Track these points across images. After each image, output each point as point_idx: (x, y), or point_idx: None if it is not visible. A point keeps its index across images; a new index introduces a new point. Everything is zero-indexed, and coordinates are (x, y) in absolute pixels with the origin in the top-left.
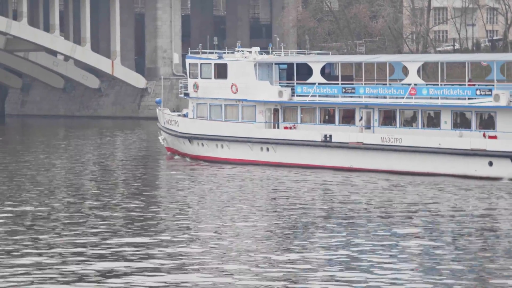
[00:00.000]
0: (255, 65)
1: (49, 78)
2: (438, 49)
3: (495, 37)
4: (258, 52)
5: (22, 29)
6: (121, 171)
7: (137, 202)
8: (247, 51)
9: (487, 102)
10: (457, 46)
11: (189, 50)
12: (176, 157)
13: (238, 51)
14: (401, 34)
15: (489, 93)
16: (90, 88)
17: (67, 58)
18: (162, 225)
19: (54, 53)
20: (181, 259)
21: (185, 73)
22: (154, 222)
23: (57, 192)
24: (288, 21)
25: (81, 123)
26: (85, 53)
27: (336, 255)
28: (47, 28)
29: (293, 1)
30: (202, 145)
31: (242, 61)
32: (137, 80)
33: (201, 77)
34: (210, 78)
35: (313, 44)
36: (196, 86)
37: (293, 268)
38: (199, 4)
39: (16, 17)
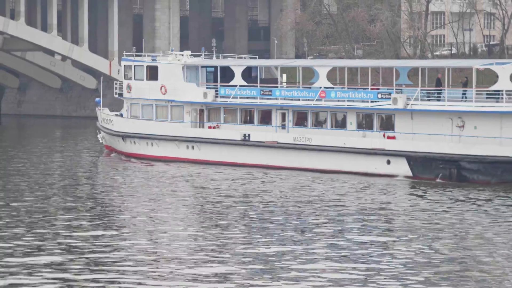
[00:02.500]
0: (183, 68)
1: (46, 78)
2: (435, 53)
3: (492, 42)
4: (190, 55)
5: (19, 28)
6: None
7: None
8: (179, 54)
9: (387, 105)
10: (454, 50)
11: (124, 53)
12: (113, 154)
13: (171, 54)
14: (399, 38)
15: (389, 96)
16: (87, 89)
17: (64, 58)
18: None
19: (51, 53)
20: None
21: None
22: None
23: None
24: (286, 23)
25: (77, 124)
26: (83, 54)
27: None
28: (44, 28)
29: (292, 3)
30: (134, 143)
31: (171, 64)
32: None
33: (134, 79)
34: (143, 80)
35: (311, 47)
36: (129, 87)
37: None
38: (197, 6)
39: (13, 16)
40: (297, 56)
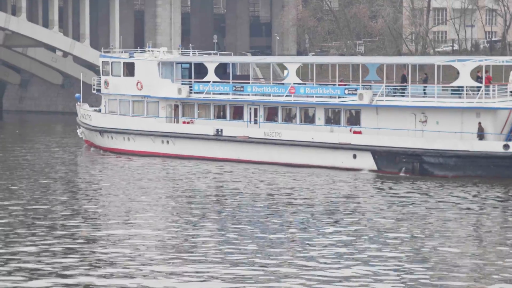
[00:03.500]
0: (158, 64)
1: (47, 74)
2: (437, 49)
3: (494, 38)
4: (166, 52)
5: (20, 24)
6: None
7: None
8: (156, 51)
9: (353, 100)
10: (456, 47)
11: (102, 49)
12: (92, 149)
13: (148, 51)
14: (401, 34)
15: (356, 92)
16: (89, 85)
17: (66, 54)
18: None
19: (53, 49)
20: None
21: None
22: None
23: None
24: (288, 20)
25: None
26: (84, 50)
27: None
28: (46, 24)
29: (293, 0)
30: (111, 138)
31: (147, 60)
32: None
33: (112, 75)
34: (120, 76)
35: (312, 43)
36: (106, 83)
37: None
38: (199, 2)
39: (15, 12)
40: (299, 52)
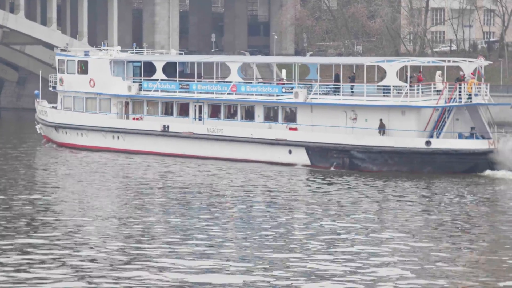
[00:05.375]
0: (110, 63)
1: (45, 72)
2: (435, 49)
3: (492, 39)
4: (120, 50)
5: (19, 22)
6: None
7: None
8: (110, 49)
9: (289, 98)
10: (454, 47)
11: (58, 48)
12: (48, 144)
13: (102, 49)
14: (399, 34)
15: (292, 91)
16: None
17: None
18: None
19: (50, 46)
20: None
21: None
22: None
23: None
24: (286, 19)
25: None
26: (82, 48)
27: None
28: (44, 22)
29: None
30: (66, 133)
31: (100, 59)
32: None
33: (67, 72)
34: (74, 73)
35: (310, 42)
36: (61, 80)
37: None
38: (197, 1)
39: (13, 9)
40: (297, 52)
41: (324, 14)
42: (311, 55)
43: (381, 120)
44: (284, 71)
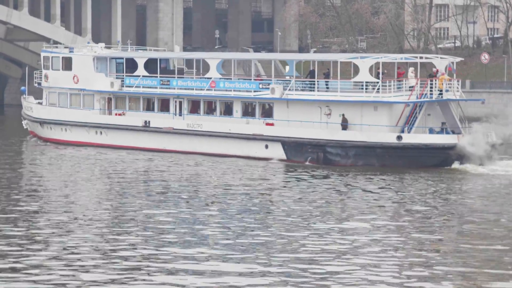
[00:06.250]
0: (93, 59)
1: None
2: (439, 46)
3: (496, 35)
4: (104, 47)
5: (22, 18)
6: None
7: None
8: (95, 46)
9: (266, 94)
10: (458, 43)
11: (44, 45)
12: (33, 139)
13: (87, 46)
14: (403, 30)
15: (269, 87)
16: None
17: None
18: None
19: (54, 43)
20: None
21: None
22: None
23: None
24: (290, 15)
25: None
26: (85, 44)
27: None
28: (48, 18)
29: None
30: (50, 128)
31: (83, 55)
32: None
33: (52, 69)
34: (59, 70)
35: (314, 39)
36: (46, 76)
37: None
38: None
39: (17, 6)
40: (301, 48)
41: (328, 11)
42: (314, 51)
43: (343, 115)
44: (288, 67)
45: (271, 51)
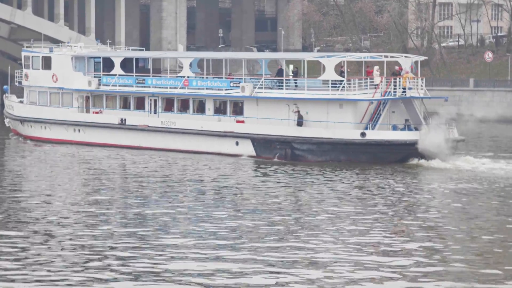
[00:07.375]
0: (72, 59)
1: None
2: (442, 44)
3: (499, 34)
4: (83, 46)
5: (26, 18)
6: None
7: None
8: (74, 46)
9: (237, 92)
10: (461, 42)
11: (24, 44)
12: (14, 137)
13: (67, 46)
14: (406, 29)
15: (239, 85)
16: None
17: None
18: None
19: (58, 42)
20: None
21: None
22: None
23: None
24: (293, 14)
25: None
26: (89, 44)
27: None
28: (51, 18)
29: None
30: (31, 126)
31: (62, 55)
32: None
33: (32, 68)
34: (39, 69)
35: (318, 38)
36: (26, 75)
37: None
38: None
39: (20, 6)
40: (304, 47)
41: (331, 9)
42: (318, 50)
43: (298, 111)
44: (291, 66)
45: (274, 50)
